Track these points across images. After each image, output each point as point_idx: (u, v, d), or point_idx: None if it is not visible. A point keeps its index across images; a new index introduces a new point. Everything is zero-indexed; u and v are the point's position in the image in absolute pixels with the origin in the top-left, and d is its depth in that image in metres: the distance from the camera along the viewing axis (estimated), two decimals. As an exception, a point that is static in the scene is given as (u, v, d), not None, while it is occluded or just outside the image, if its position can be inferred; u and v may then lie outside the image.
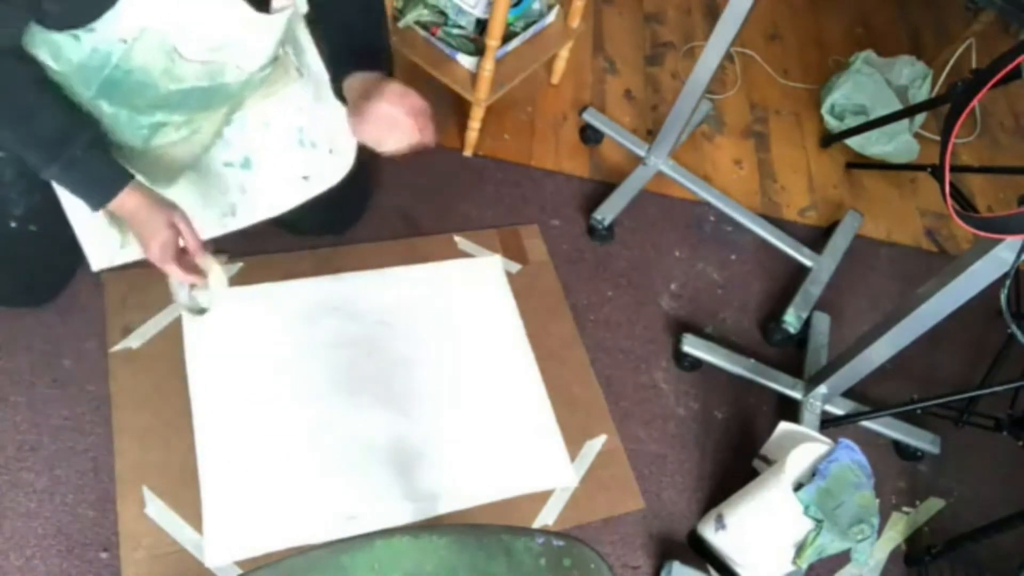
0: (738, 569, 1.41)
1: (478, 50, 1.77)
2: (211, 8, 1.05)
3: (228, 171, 1.40)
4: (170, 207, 1.16)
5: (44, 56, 1.08)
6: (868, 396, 1.74)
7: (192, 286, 1.24)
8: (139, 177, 1.32)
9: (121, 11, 1.01)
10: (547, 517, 1.44)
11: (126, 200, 1.13)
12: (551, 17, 1.90)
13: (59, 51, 1.08)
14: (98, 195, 1.13)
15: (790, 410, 1.67)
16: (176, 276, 1.18)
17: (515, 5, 1.75)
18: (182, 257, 1.17)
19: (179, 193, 1.36)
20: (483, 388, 1.56)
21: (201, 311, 1.29)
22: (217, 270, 1.21)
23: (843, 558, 1.37)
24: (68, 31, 1.04)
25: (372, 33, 1.32)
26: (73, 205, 1.20)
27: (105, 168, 1.13)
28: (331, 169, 1.44)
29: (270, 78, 1.31)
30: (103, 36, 1.04)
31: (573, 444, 1.54)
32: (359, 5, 1.30)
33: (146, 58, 1.08)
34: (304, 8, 1.23)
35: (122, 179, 1.13)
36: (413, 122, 1.16)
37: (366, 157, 1.39)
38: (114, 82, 1.11)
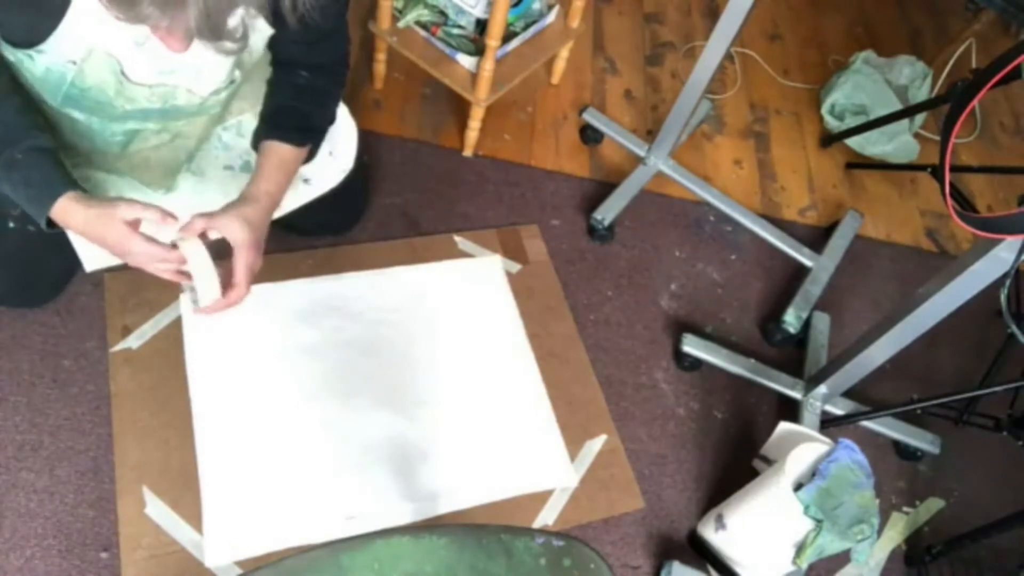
0: (738, 569, 1.41)
1: (478, 50, 1.77)
2: (148, 33, 1.03)
3: (228, 174, 1.41)
4: (113, 205, 1.05)
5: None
6: (868, 396, 1.74)
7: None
8: (135, 182, 1.33)
9: (64, 34, 1.02)
10: (547, 517, 1.44)
11: (70, 211, 1.05)
12: (551, 17, 1.90)
13: (21, 66, 1.09)
14: (37, 201, 1.05)
15: (790, 410, 1.67)
16: (165, 275, 1.12)
17: (515, 5, 1.75)
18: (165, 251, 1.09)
19: (179, 197, 1.36)
20: (483, 388, 1.56)
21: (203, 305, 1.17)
22: (190, 248, 1.09)
23: (843, 558, 1.37)
24: (22, 50, 1.05)
25: (315, 106, 1.30)
26: None
27: (44, 174, 1.06)
28: (331, 171, 1.44)
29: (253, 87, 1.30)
30: (53, 57, 1.05)
31: (573, 444, 1.54)
32: (316, 73, 1.28)
33: (98, 78, 1.08)
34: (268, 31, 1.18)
35: (61, 186, 1.05)
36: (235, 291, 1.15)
37: (366, 158, 1.39)
38: (73, 98, 1.12)
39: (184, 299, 1.21)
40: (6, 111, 1.08)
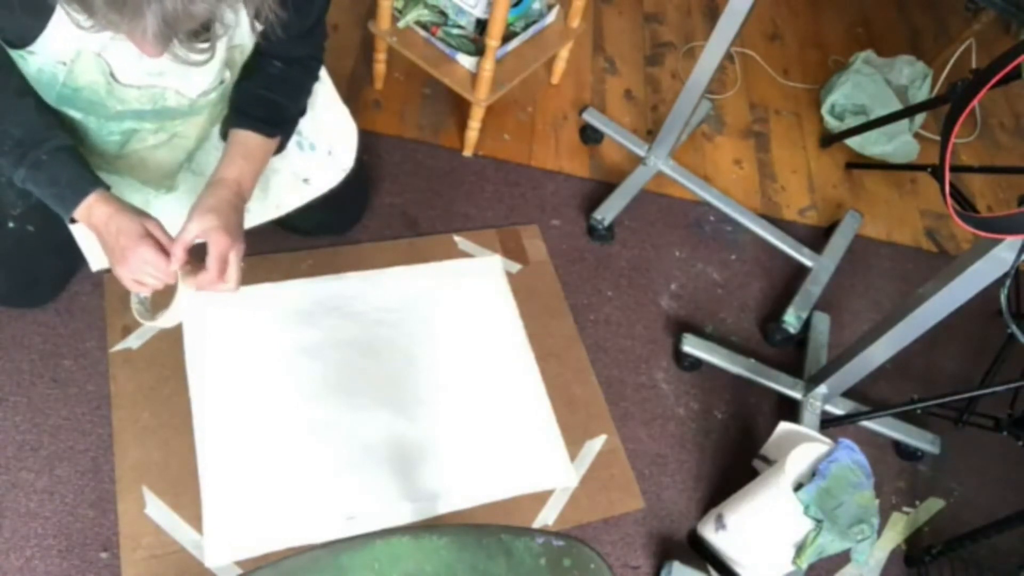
0: (738, 569, 1.41)
1: (478, 50, 1.77)
2: (111, 36, 1.03)
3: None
4: (144, 215, 1.10)
5: None
6: (868, 396, 1.74)
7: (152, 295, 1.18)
8: (135, 182, 1.33)
9: (52, 35, 1.02)
10: (547, 517, 1.44)
11: (95, 208, 1.08)
12: (551, 17, 1.90)
13: (18, 66, 1.09)
14: (64, 200, 1.08)
15: (790, 410, 1.67)
16: (142, 291, 1.14)
17: (515, 5, 1.75)
18: (152, 268, 1.10)
19: (180, 198, 1.36)
20: (483, 388, 1.56)
21: (153, 321, 1.19)
22: (186, 289, 1.12)
23: (843, 558, 1.37)
24: (15, 50, 1.06)
25: (287, 97, 1.29)
26: None
27: (71, 173, 1.09)
28: (331, 171, 1.44)
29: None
30: (44, 58, 1.06)
31: (573, 444, 1.54)
32: (290, 64, 1.27)
33: (88, 79, 1.08)
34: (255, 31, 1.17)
35: (89, 185, 1.08)
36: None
37: (366, 158, 1.39)
38: (67, 98, 1.12)
39: (133, 301, 1.23)
40: (26, 111, 1.09)
